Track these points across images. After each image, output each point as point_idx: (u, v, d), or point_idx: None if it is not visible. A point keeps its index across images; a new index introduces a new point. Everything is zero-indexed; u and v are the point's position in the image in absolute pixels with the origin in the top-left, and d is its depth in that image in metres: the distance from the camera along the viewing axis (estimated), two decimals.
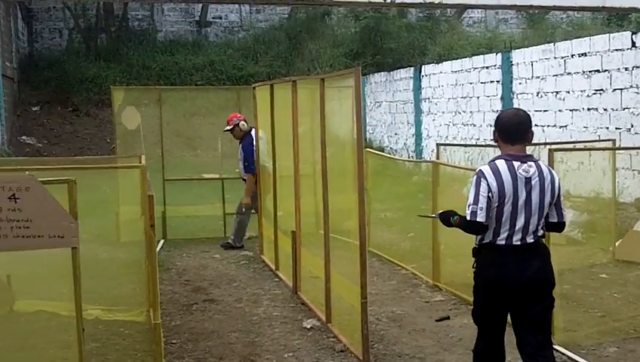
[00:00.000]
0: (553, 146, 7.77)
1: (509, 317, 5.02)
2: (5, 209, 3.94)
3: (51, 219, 3.98)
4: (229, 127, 11.03)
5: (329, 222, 7.20)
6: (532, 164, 4.76)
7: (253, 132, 10.75)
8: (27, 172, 4.69)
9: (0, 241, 4.00)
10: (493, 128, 4.96)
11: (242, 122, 10.97)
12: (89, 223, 4.22)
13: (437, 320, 7.40)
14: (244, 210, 11.06)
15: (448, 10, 28.86)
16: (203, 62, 27.55)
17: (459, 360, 6.30)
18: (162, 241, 11.43)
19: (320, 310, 7.54)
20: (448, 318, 7.46)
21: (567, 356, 6.19)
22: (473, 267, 5.03)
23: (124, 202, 11.17)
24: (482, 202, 4.67)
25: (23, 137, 24.15)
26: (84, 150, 23.29)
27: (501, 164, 4.71)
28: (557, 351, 6.25)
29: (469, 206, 4.74)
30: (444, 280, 8.67)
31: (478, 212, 4.68)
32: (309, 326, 7.28)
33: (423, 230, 10.71)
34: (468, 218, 4.74)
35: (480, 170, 4.79)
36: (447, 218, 5.09)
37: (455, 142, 18.21)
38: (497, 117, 4.97)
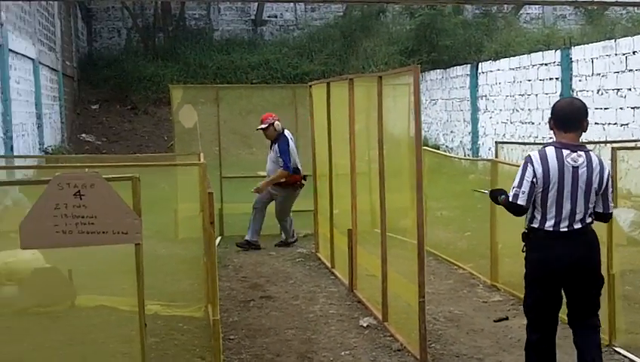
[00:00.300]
0: (616, 145, 7.66)
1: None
2: (70, 205, 4.02)
3: (115, 215, 4.05)
4: (263, 126, 10.85)
5: (386, 221, 7.19)
6: (582, 153, 4.93)
7: (287, 133, 10.88)
8: (87, 169, 4.78)
9: (65, 237, 4.08)
10: (549, 116, 5.13)
11: (277, 122, 10.80)
12: (148, 220, 4.28)
13: (495, 321, 7.34)
14: (253, 190, 10.95)
15: (505, 6, 28.58)
16: (258, 60, 27.71)
17: (517, 360, 6.23)
18: (219, 238, 11.52)
19: (376, 308, 7.53)
20: (507, 319, 7.38)
21: (628, 358, 6.10)
22: (523, 251, 5.22)
23: (183, 199, 11.28)
24: (525, 186, 4.94)
25: (83, 135, 24.58)
26: (142, 148, 23.62)
27: (550, 151, 4.93)
28: (618, 353, 6.18)
29: (512, 188, 5.04)
30: (502, 280, 8.59)
31: (520, 195, 4.96)
32: (365, 325, 7.28)
33: (480, 229, 10.63)
34: (510, 199, 5.04)
35: (529, 155, 5.02)
36: (496, 196, 5.42)
37: (512, 140, 18.03)
38: (553, 105, 5.13)
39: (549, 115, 5.10)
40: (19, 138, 16.68)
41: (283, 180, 10.73)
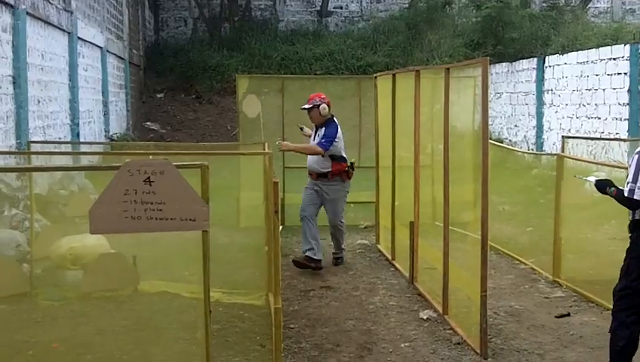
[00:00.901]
0: None
1: None
2: (140, 192, 4.09)
3: (184, 202, 4.11)
4: (307, 106, 9.26)
5: (448, 214, 7.16)
6: None
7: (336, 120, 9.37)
8: (150, 156, 4.86)
9: (134, 223, 4.15)
10: None
11: (324, 105, 9.15)
12: (211, 208, 4.33)
13: (557, 317, 7.27)
14: (277, 143, 9.76)
15: (573, 0, 28.14)
16: (323, 51, 27.74)
17: (579, 357, 6.18)
18: (281, 227, 11.59)
19: (436, 301, 7.52)
20: (569, 315, 7.31)
21: None
22: (630, 238, 5.30)
23: (245, 188, 11.39)
24: None
25: (148, 123, 24.94)
26: (206, 137, 23.87)
27: None
28: None
29: (627, 183, 5.11)
30: (565, 276, 8.50)
31: (636, 191, 5.05)
32: (425, 317, 7.27)
33: (543, 225, 10.52)
34: (625, 194, 5.11)
35: None
36: (604, 187, 5.48)
37: (577, 135, 17.76)
38: None
39: None
40: (85, 125, 17.00)
41: (323, 170, 9.21)
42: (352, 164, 9.51)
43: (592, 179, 5.91)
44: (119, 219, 4.10)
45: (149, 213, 4.10)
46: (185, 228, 4.16)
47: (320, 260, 9.11)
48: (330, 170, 9.23)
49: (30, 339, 6.40)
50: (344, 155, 9.37)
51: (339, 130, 9.24)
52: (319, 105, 9.13)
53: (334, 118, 9.28)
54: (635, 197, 5.05)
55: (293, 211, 12.23)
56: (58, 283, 7.99)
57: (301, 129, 10.02)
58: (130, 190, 4.08)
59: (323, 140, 9.09)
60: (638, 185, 5.03)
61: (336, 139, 9.13)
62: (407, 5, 30.39)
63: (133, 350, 6.23)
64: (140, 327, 6.84)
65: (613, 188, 5.35)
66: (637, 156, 5.11)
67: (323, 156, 9.15)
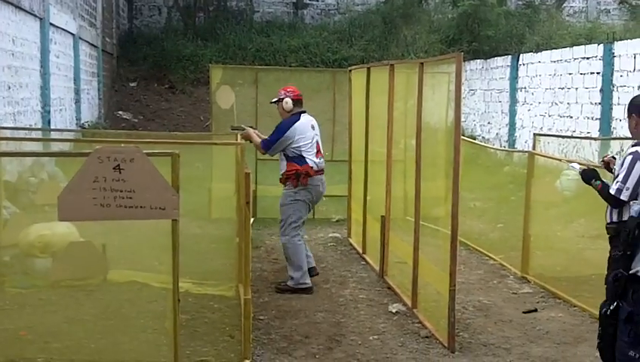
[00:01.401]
0: None
1: None
2: (110, 179, 4.07)
3: (154, 190, 4.09)
4: (274, 99, 8.51)
5: (419, 209, 7.19)
6: None
7: (305, 118, 8.30)
8: (122, 145, 4.83)
9: (103, 211, 4.13)
10: (627, 112, 5.07)
11: (287, 99, 8.29)
12: (182, 198, 4.32)
13: (524, 312, 7.34)
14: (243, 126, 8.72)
15: None
16: (298, 44, 27.66)
17: (545, 352, 6.24)
18: (252, 219, 11.57)
19: (406, 295, 7.56)
20: (536, 311, 7.39)
21: None
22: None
23: (217, 179, 11.36)
24: (631, 183, 5.00)
25: (120, 112, 24.74)
26: (179, 127, 23.73)
27: None
28: None
29: (617, 181, 5.09)
30: (533, 272, 8.58)
31: (624, 191, 5.04)
32: (394, 311, 7.31)
33: (513, 221, 10.59)
34: (612, 192, 5.10)
35: (637, 150, 5.07)
36: (590, 178, 5.48)
37: (550, 133, 17.86)
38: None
39: (628, 112, 5.10)
40: (56, 112, 16.82)
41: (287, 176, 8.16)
42: (310, 170, 8.11)
43: (577, 166, 5.89)
44: (88, 206, 4.08)
45: (118, 201, 4.08)
46: (154, 217, 4.15)
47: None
48: (283, 170, 8.25)
49: None
50: (307, 156, 8.12)
51: (297, 127, 8.10)
52: (282, 100, 8.32)
53: (302, 115, 8.27)
54: (621, 197, 5.05)
55: (265, 203, 12.23)
56: (26, 270, 7.92)
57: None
58: (100, 177, 4.05)
59: (267, 137, 8.28)
60: (626, 186, 5.02)
61: (288, 134, 8.06)
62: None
63: (102, 339, 6.20)
64: (109, 316, 6.81)
65: (598, 182, 5.35)
66: (630, 157, 5.08)
67: (270, 155, 8.45)
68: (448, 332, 6.24)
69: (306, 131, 8.18)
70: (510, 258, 9.25)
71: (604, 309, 3.76)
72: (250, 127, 8.74)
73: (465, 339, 6.51)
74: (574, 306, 7.43)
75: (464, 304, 7.49)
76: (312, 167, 8.10)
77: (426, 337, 6.56)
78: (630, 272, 3.61)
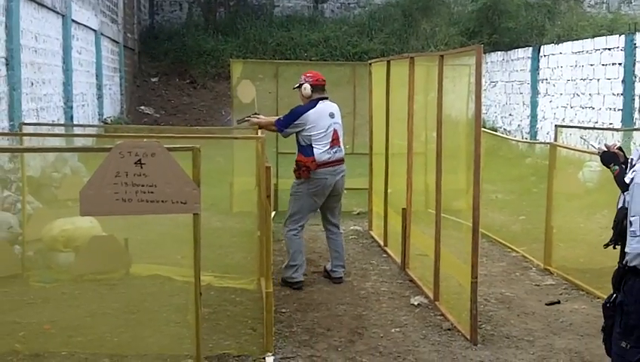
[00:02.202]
0: None
1: None
2: (131, 174, 4.09)
3: (175, 185, 4.11)
4: (296, 85, 8.19)
5: (441, 201, 7.18)
6: None
7: (322, 105, 7.94)
8: (145, 139, 4.85)
9: (125, 205, 4.15)
10: None
11: (306, 85, 7.99)
12: (203, 192, 4.32)
13: (547, 304, 7.30)
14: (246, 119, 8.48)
15: None
16: (318, 38, 27.66)
17: (568, 344, 6.21)
18: (274, 213, 11.59)
19: (428, 288, 7.54)
20: (559, 302, 7.35)
21: None
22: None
23: (238, 173, 11.39)
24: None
25: (142, 107, 24.87)
26: (200, 121, 23.81)
27: None
28: None
29: (633, 171, 4.85)
30: (556, 264, 8.54)
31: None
32: (416, 303, 7.30)
33: (535, 213, 10.55)
34: (627, 180, 4.78)
35: None
36: (608, 163, 5.16)
37: (571, 124, 17.77)
38: None
39: None
40: (79, 108, 16.93)
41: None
42: (311, 164, 7.79)
43: (597, 147, 5.53)
44: (110, 201, 4.10)
45: (139, 196, 4.10)
46: (176, 211, 4.17)
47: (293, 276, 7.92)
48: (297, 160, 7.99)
49: (22, 321, 6.40)
50: (316, 146, 7.80)
51: (309, 115, 7.81)
52: (302, 85, 8.03)
53: (320, 101, 7.93)
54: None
55: (286, 196, 12.21)
56: (50, 265, 7.99)
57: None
58: (122, 172, 4.07)
59: (281, 117, 8.12)
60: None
61: (298, 122, 7.82)
62: None
63: (124, 332, 6.24)
64: (131, 310, 6.85)
65: (616, 167, 5.04)
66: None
67: (284, 137, 8.19)
68: (470, 325, 6.23)
69: (321, 120, 7.82)
70: (532, 250, 9.21)
71: (605, 301, 3.75)
72: (255, 114, 8.49)
73: (487, 332, 6.49)
74: (598, 298, 7.38)
75: (486, 296, 7.47)
76: (315, 160, 7.75)
77: (448, 329, 6.55)
78: (623, 263, 3.59)
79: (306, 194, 7.91)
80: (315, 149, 7.80)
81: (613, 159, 5.18)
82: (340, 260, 8.21)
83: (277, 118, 8.26)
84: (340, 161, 8.03)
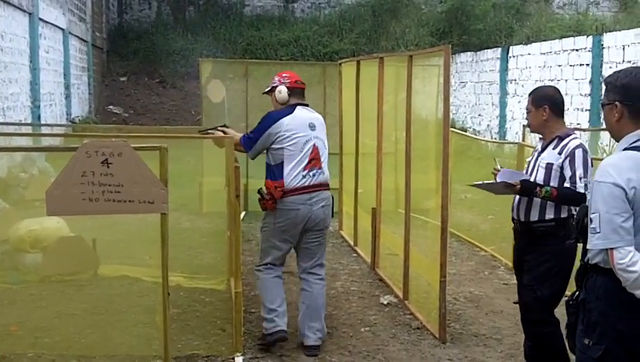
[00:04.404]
0: None
1: None
2: (98, 173, 4.06)
3: (142, 184, 4.09)
4: (266, 89, 6.45)
5: (410, 201, 7.20)
6: None
7: (300, 112, 6.19)
8: (113, 139, 4.82)
9: (92, 205, 4.12)
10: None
11: (281, 87, 6.22)
12: (173, 193, 4.30)
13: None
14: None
15: None
16: (288, 37, 27.65)
17: None
18: (244, 213, 11.56)
19: (397, 287, 7.57)
20: None
21: None
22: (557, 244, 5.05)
23: (208, 173, 11.35)
24: (590, 175, 4.83)
25: (110, 107, 24.69)
26: (170, 121, 23.71)
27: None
28: None
29: (580, 178, 4.88)
30: None
31: (588, 185, 4.80)
32: (385, 303, 7.32)
33: (503, 212, 10.59)
34: (582, 190, 4.84)
35: (580, 143, 4.96)
36: (531, 188, 5.02)
37: None
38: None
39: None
40: (46, 107, 16.79)
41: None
42: (275, 191, 6.01)
43: (516, 184, 5.09)
44: (76, 201, 4.07)
45: (106, 195, 4.07)
46: (143, 211, 4.15)
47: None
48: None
49: None
50: (287, 165, 6.04)
51: (282, 123, 6.06)
52: (275, 88, 6.30)
53: (297, 107, 6.22)
54: (587, 193, 4.71)
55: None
56: (17, 266, 7.92)
57: None
58: (88, 171, 4.05)
59: (249, 133, 6.39)
60: (589, 178, 4.84)
61: (272, 131, 6.05)
62: None
63: (92, 333, 6.20)
64: (100, 311, 6.82)
65: (548, 187, 4.92)
66: (581, 150, 4.95)
67: (251, 158, 6.53)
68: (439, 324, 6.26)
69: (297, 130, 6.07)
70: (501, 249, 9.27)
71: (568, 298, 3.77)
72: (224, 125, 6.72)
73: (456, 330, 6.53)
74: (565, 296, 7.44)
75: (455, 295, 7.51)
76: (282, 185, 6.00)
77: (418, 328, 6.58)
78: (585, 260, 3.63)
79: (273, 230, 6.18)
80: (285, 171, 6.03)
81: (533, 184, 5.08)
82: (315, 320, 6.17)
83: (243, 134, 6.45)
84: (320, 187, 6.15)
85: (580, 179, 4.89)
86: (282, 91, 6.23)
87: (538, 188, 4.99)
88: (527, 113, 5.34)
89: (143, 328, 6.32)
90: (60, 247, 7.72)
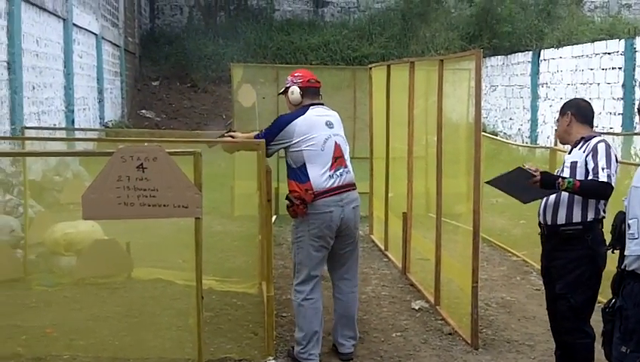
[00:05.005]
0: None
1: None
2: (133, 178, 4.11)
3: (177, 189, 4.13)
4: (281, 90, 6.29)
5: (441, 205, 7.20)
6: None
7: (313, 111, 5.97)
8: (146, 143, 4.87)
9: (127, 209, 4.17)
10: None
11: (294, 88, 6.03)
12: (205, 196, 4.33)
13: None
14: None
15: None
16: (318, 42, 27.67)
17: None
18: (275, 217, 11.60)
19: (428, 292, 7.56)
20: None
21: None
22: (584, 248, 5.02)
23: (239, 177, 11.41)
24: (613, 169, 4.81)
25: (143, 111, 24.87)
26: (201, 125, 23.80)
27: None
28: None
29: (603, 168, 4.81)
30: None
31: (612, 177, 4.78)
32: (417, 308, 7.31)
33: (535, 217, 10.54)
34: (605, 180, 4.78)
35: (603, 138, 4.99)
36: (552, 179, 4.96)
37: None
38: None
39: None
40: (80, 112, 16.95)
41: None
42: (306, 194, 5.75)
43: (536, 172, 5.06)
44: (112, 205, 4.12)
45: (141, 200, 4.12)
46: (177, 215, 4.19)
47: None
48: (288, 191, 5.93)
49: (24, 324, 6.43)
50: (311, 167, 5.82)
51: (296, 124, 5.85)
52: (288, 89, 6.11)
53: (311, 108, 5.99)
54: (612, 183, 4.80)
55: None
56: (52, 268, 8.01)
57: None
58: (123, 176, 4.10)
59: (263, 130, 6.15)
60: (612, 171, 4.82)
61: (282, 135, 5.87)
62: None
63: (126, 336, 6.26)
64: (133, 314, 6.87)
65: (570, 180, 4.88)
66: (603, 144, 4.95)
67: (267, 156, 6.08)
68: (471, 329, 6.24)
69: (313, 130, 5.86)
70: (533, 254, 9.18)
71: (604, 305, 3.75)
72: (230, 129, 6.82)
73: (488, 336, 6.51)
74: (598, 302, 7.38)
75: (487, 300, 7.48)
76: (312, 190, 5.75)
77: (449, 334, 6.56)
78: (622, 267, 3.60)
79: (308, 238, 5.85)
80: (310, 173, 5.80)
81: (554, 176, 5.04)
82: (349, 328, 6.14)
83: (257, 132, 6.29)
84: (349, 187, 5.97)
85: (603, 169, 4.84)
86: (295, 92, 6.03)
87: (560, 180, 4.93)
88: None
89: (176, 331, 6.37)
90: (94, 250, 7.80)
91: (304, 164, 5.81)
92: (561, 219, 5.05)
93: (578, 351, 5.14)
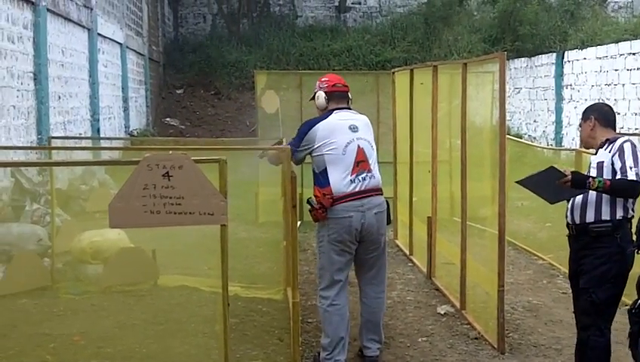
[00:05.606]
0: None
1: None
2: (159, 186, 4.14)
3: (202, 196, 4.15)
4: (312, 96, 6.36)
5: (466, 209, 7.18)
6: None
7: (336, 116, 5.95)
8: (170, 151, 4.90)
9: (153, 217, 4.19)
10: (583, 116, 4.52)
11: (320, 94, 6.13)
12: (230, 203, 4.36)
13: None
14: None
15: None
16: (341, 47, 27.72)
17: None
18: (299, 223, 11.60)
19: (454, 296, 7.54)
20: None
21: None
22: (613, 246, 5.02)
23: (264, 183, 11.44)
24: None
25: (167, 119, 25.03)
26: (225, 132, 23.92)
27: None
28: None
29: (630, 167, 4.83)
30: None
31: None
32: (442, 312, 7.30)
33: (561, 220, 10.47)
34: (635, 178, 4.79)
35: (629, 139, 4.97)
36: (583, 179, 4.98)
37: None
38: None
39: None
40: (105, 120, 17.10)
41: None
42: (324, 198, 5.75)
43: (568, 173, 5.12)
44: (138, 213, 4.15)
45: (168, 208, 4.14)
46: (203, 222, 4.20)
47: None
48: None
49: (52, 332, 6.48)
50: (332, 172, 5.79)
51: (318, 128, 5.88)
52: (315, 94, 6.22)
53: (335, 111, 6.00)
54: None
55: None
56: (79, 277, 8.08)
57: None
58: (150, 184, 4.12)
59: (292, 140, 6.14)
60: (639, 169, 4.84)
61: (305, 141, 5.92)
62: (425, 1, 30.29)
63: (153, 343, 6.29)
64: (160, 321, 6.90)
65: (600, 179, 4.91)
66: (629, 144, 4.97)
67: (295, 163, 6.13)
68: (498, 334, 6.21)
69: (335, 135, 5.82)
70: (559, 257, 9.15)
71: (630, 307, 3.74)
72: (279, 141, 6.66)
73: (515, 340, 6.48)
74: (625, 305, 7.34)
75: (513, 304, 7.45)
76: (330, 194, 5.71)
77: (475, 338, 6.54)
78: None
79: (328, 243, 5.82)
80: (331, 177, 5.77)
81: (584, 175, 5.06)
82: (374, 333, 6.09)
83: (278, 148, 6.47)
84: (372, 192, 5.84)
85: (631, 168, 4.86)
86: (320, 97, 6.08)
87: (590, 179, 4.96)
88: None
89: (203, 338, 6.40)
90: (120, 258, 7.86)
91: (325, 168, 5.79)
92: (590, 217, 5.06)
93: (590, 348, 5.14)
